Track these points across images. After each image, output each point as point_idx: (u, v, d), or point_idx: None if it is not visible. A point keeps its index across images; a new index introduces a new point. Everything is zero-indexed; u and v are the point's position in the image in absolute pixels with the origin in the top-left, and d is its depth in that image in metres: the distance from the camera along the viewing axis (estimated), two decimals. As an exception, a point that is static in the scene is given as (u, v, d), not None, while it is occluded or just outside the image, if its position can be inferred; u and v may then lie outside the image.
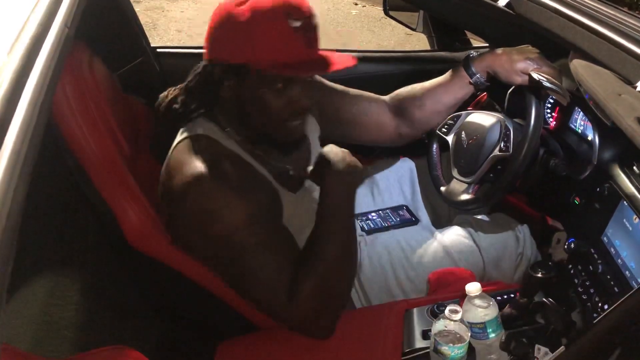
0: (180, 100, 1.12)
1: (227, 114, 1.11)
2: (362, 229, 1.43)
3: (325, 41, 1.07)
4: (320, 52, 1.07)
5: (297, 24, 1.00)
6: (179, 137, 1.11)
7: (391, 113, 1.41)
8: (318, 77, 1.36)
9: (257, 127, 1.10)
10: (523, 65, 1.23)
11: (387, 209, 1.50)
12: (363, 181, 1.12)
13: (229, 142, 1.10)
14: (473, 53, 1.33)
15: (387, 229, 1.43)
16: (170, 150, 1.11)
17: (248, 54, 1.01)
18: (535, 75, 1.19)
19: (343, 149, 1.10)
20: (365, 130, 1.42)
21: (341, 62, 1.06)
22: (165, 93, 1.17)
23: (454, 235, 1.37)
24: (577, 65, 1.04)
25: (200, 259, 1.12)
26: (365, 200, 1.52)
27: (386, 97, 1.44)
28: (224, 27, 1.03)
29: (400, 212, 1.49)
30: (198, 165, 1.03)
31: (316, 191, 1.12)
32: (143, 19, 1.66)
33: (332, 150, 1.09)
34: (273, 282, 1.02)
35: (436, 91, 1.36)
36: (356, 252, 1.11)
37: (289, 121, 1.08)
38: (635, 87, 0.90)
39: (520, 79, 1.24)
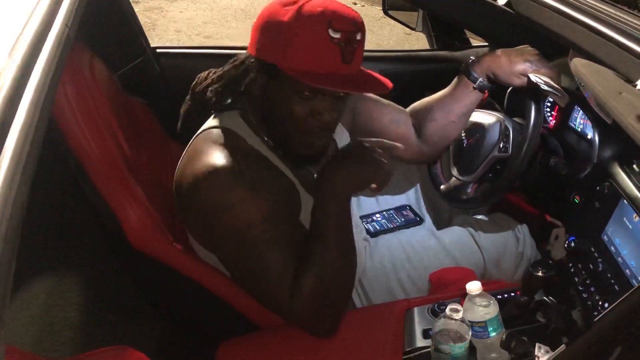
0: (214, 89, 1.08)
1: (257, 112, 1.09)
2: (368, 231, 1.41)
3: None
4: (358, 71, 1.03)
5: (337, 35, 0.96)
6: (206, 125, 1.10)
7: (413, 127, 1.36)
8: None
9: (279, 131, 1.07)
10: (522, 67, 1.21)
11: (391, 209, 1.50)
12: (378, 179, 1.04)
13: (255, 141, 1.08)
14: (472, 58, 1.31)
15: (392, 230, 1.42)
16: (195, 136, 1.09)
17: (280, 56, 0.98)
18: (533, 78, 1.18)
19: (365, 146, 1.05)
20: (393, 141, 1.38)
21: (374, 86, 1.03)
22: (205, 74, 1.14)
23: (455, 235, 1.37)
24: (577, 64, 1.04)
25: (210, 249, 1.11)
26: (369, 201, 1.51)
27: (407, 110, 1.39)
28: (265, 23, 1.01)
29: (404, 212, 1.49)
30: (216, 158, 1.01)
31: None
32: (142, 19, 1.66)
33: (349, 150, 1.05)
34: (278, 279, 1.01)
35: (445, 102, 1.31)
36: (354, 250, 1.08)
37: (311, 134, 1.05)
38: (635, 86, 0.89)
39: (519, 81, 1.23)
